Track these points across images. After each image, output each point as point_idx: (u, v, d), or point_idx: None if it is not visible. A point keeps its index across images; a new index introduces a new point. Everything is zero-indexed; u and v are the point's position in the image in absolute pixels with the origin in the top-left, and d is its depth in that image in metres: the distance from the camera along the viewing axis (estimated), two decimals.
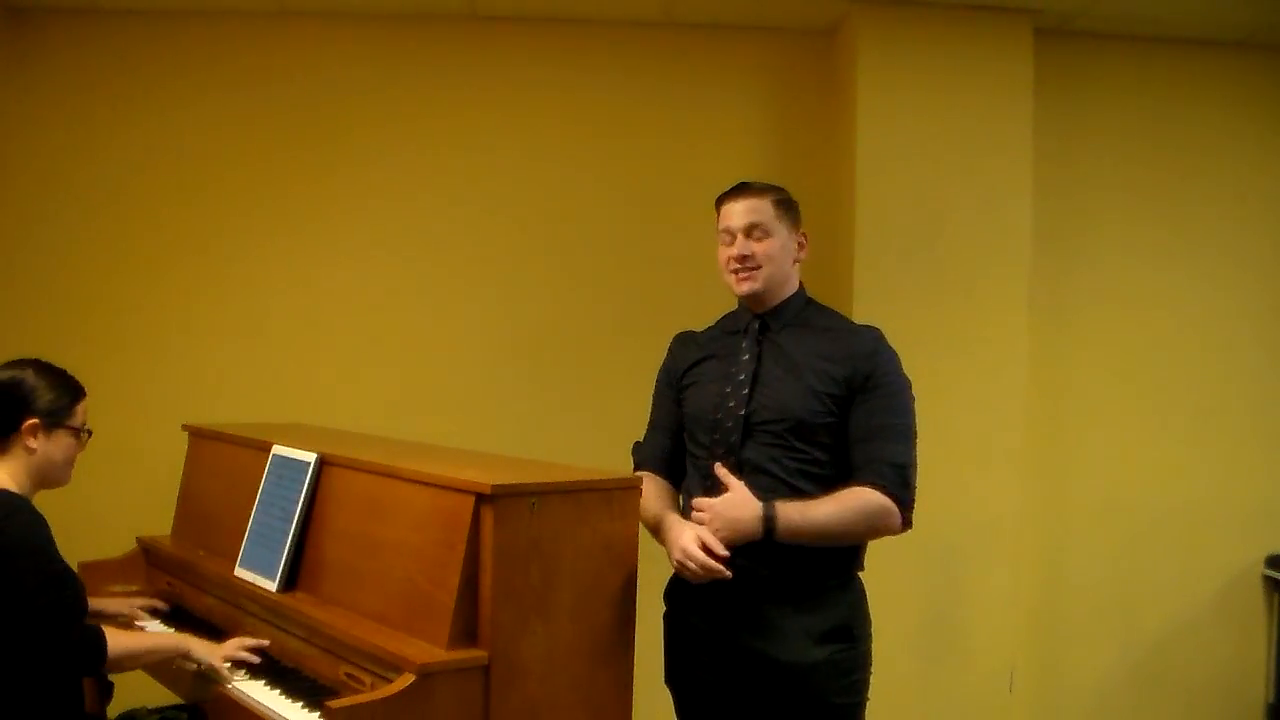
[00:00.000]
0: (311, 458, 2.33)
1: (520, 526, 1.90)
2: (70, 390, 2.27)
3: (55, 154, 3.70)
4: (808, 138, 3.81)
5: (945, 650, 3.56)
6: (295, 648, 2.20)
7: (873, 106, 3.54)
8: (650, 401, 2.41)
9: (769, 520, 2.02)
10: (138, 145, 3.70)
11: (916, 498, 2.12)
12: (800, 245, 2.25)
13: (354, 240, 3.75)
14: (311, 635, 2.14)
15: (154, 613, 2.62)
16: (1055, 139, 3.75)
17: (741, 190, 2.23)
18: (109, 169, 3.70)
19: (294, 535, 2.29)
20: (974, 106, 3.56)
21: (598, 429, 3.28)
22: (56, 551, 2.06)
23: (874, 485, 2.06)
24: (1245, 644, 3.90)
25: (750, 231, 2.19)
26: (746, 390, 2.16)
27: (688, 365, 2.32)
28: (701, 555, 2.02)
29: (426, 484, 2.03)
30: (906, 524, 2.10)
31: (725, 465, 2.13)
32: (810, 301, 2.28)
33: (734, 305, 2.32)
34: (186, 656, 2.19)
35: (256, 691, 2.09)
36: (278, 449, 2.46)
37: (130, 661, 2.15)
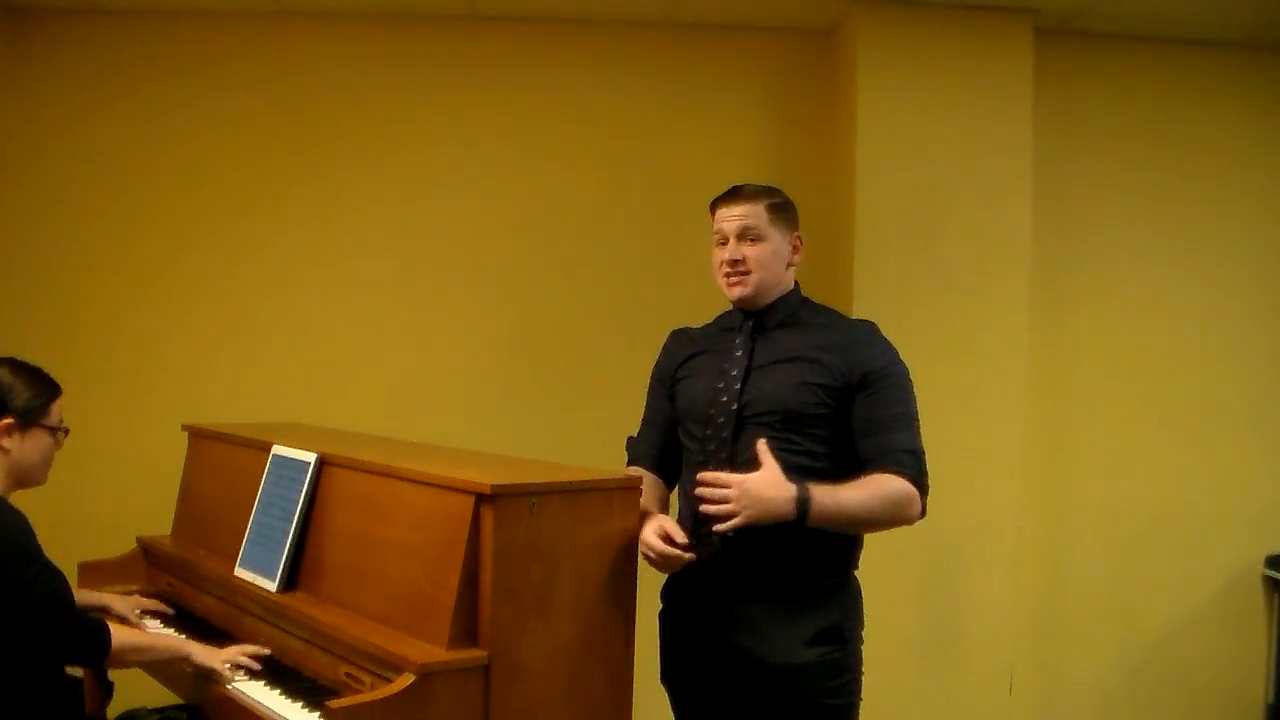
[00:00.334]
0: (311, 458, 2.33)
1: (520, 526, 1.90)
2: (46, 389, 2.22)
3: (55, 154, 3.70)
4: (808, 138, 3.81)
5: (945, 651, 3.56)
6: (295, 648, 2.20)
7: (873, 106, 3.54)
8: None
9: (803, 503, 1.97)
10: (137, 145, 3.70)
11: None
12: (795, 248, 2.25)
13: (354, 240, 3.75)
14: (311, 635, 2.14)
15: (155, 614, 2.62)
16: (1055, 139, 3.75)
17: (735, 194, 2.23)
18: (109, 169, 3.70)
19: (294, 535, 2.29)
20: (974, 106, 3.56)
21: (598, 429, 3.27)
22: (39, 547, 2.06)
23: (896, 472, 2.05)
24: (1245, 644, 3.90)
25: (742, 236, 2.19)
26: (739, 384, 2.16)
27: (681, 360, 2.32)
28: (660, 544, 2.02)
29: (426, 484, 2.03)
30: (923, 511, 2.10)
31: (718, 459, 2.13)
32: (805, 300, 2.28)
33: (730, 304, 2.33)
34: (187, 660, 2.19)
35: (256, 691, 2.09)
36: (278, 449, 2.46)
37: (134, 655, 2.15)
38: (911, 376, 2.17)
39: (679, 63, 3.80)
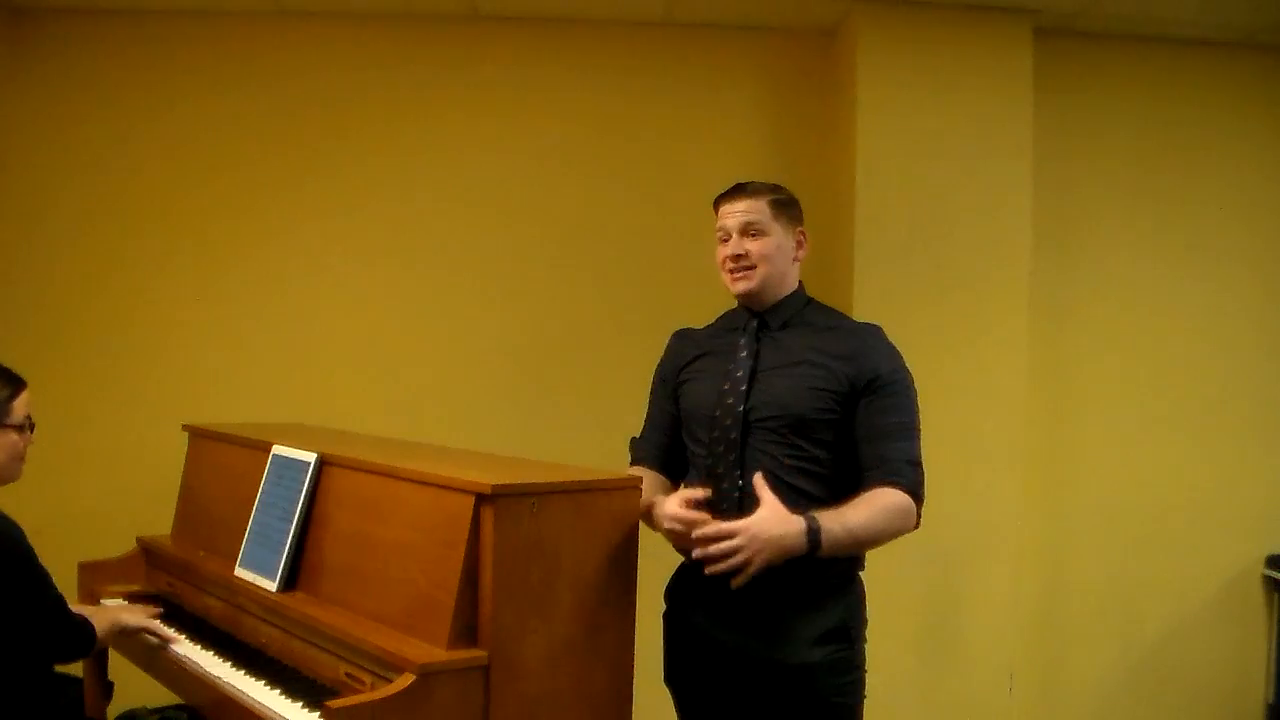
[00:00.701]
0: (311, 458, 2.33)
1: (520, 526, 1.90)
2: (8, 385, 2.18)
3: (55, 154, 3.70)
4: (808, 138, 3.81)
5: (945, 651, 3.56)
6: (295, 648, 2.20)
7: (873, 106, 3.54)
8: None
9: (814, 534, 1.94)
10: (137, 145, 3.70)
11: None
12: (799, 243, 2.25)
13: (354, 240, 3.75)
14: (311, 635, 2.14)
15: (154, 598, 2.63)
16: (1055, 139, 3.74)
17: (737, 191, 2.23)
18: (108, 168, 3.70)
19: (294, 535, 2.29)
20: (974, 106, 3.56)
21: (597, 429, 3.28)
22: (33, 551, 2.07)
23: (895, 485, 2.05)
24: (1245, 644, 3.90)
25: (745, 231, 2.19)
26: (745, 387, 2.16)
27: (685, 361, 2.32)
28: (683, 511, 2.00)
29: (426, 484, 2.03)
30: (918, 522, 2.10)
31: (725, 464, 2.13)
32: (811, 301, 2.28)
33: (734, 304, 2.32)
34: (120, 629, 2.33)
35: (256, 691, 2.09)
36: (278, 449, 2.46)
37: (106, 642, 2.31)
38: (914, 380, 2.17)
39: (679, 63, 3.80)
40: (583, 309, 3.77)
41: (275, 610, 2.26)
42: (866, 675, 2.19)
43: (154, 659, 2.43)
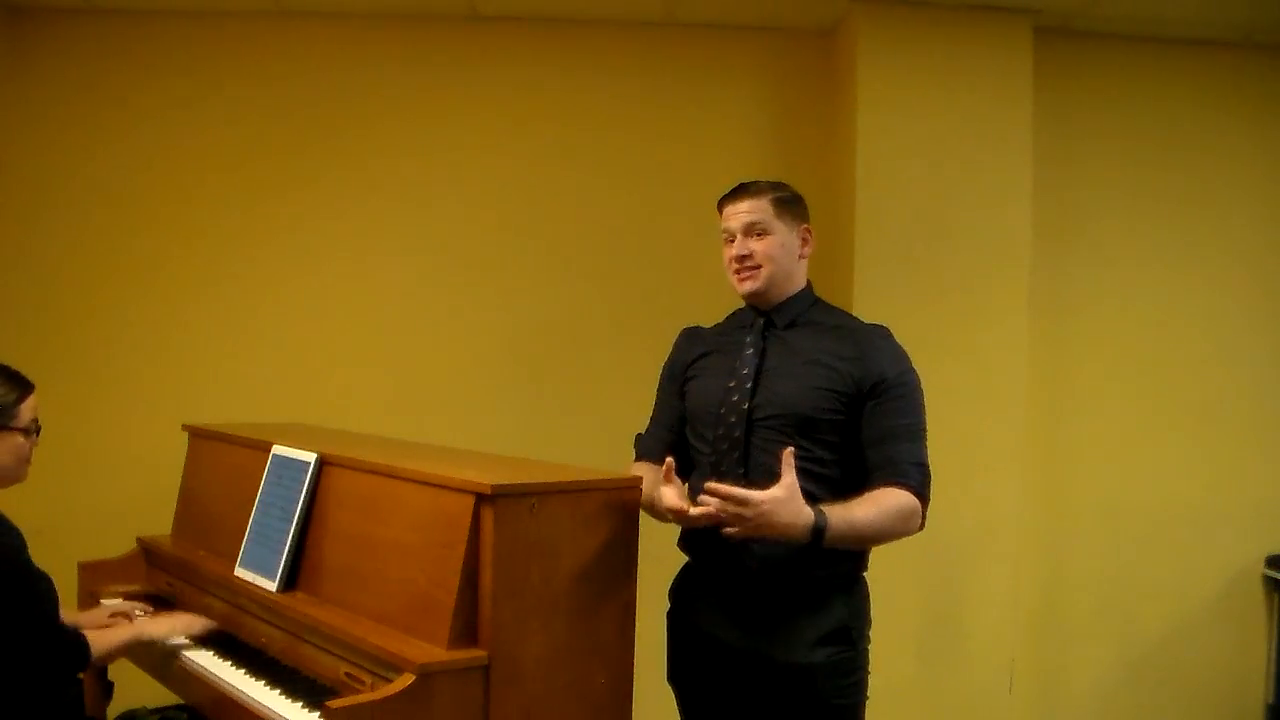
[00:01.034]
0: (311, 458, 2.33)
1: (520, 526, 1.90)
2: (15, 388, 2.18)
3: (55, 154, 3.70)
4: (808, 137, 3.81)
5: (945, 650, 3.56)
6: (295, 647, 2.20)
7: (873, 106, 3.54)
8: (653, 397, 2.41)
9: (819, 531, 1.95)
10: (137, 145, 3.70)
11: None
12: (804, 240, 2.25)
13: (353, 240, 3.75)
14: (311, 635, 2.14)
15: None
16: (1055, 139, 3.74)
17: (740, 191, 2.24)
18: (108, 169, 3.70)
19: (294, 535, 2.29)
20: (974, 106, 3.56)
21: (597, 428, 3.28)
22: (30, 561, 2.06)
23: (902, 485, 2.05)
24: (1245, 644, 3.90)
25: (749, 231, 2.19)
26: (750, 385, 2.16)
27: (692, 359, 2.32)
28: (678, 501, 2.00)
29: (426, 484, 2.03)
30: (923, 524, 2.10)
31: (730, 461, 2.13)
32: (818, 300, 2.28)
33: (737, 304, 2.32)
34: (140, 641, 2.28)
35: (256, 691, 2.09)
36: (278, 449, 2.46)
37: (106, 660, 2.26)
38: (920, 381, 2.17)
39: (679, 63, 3.80)
40: (583, 308, 3.77)
41: (275, 610, 2.26)
42: (869, 675, 2.20)
43: (154, 659, 2.43)
